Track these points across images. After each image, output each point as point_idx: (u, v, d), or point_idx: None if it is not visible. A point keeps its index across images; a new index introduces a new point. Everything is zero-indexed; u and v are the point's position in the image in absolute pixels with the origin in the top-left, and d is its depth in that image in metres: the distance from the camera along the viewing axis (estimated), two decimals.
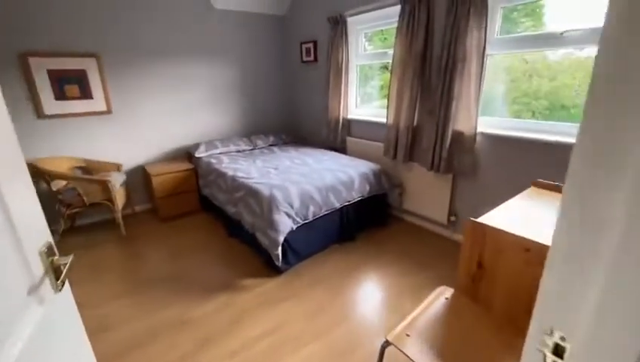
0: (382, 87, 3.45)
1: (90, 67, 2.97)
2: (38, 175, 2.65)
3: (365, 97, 3.60)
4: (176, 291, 2.20)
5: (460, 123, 2.39)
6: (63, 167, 2.93)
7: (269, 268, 2.33)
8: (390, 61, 2.87)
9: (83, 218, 3.20)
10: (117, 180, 2.91)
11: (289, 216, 2.23)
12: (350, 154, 3.45)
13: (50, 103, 2.86)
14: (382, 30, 3.22)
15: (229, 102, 3.86)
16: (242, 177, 2.65)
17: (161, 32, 3.26)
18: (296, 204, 2.28)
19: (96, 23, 2.92)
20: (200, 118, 3.70)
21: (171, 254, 2.66)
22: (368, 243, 2.73)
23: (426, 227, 2.94)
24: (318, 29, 3.61)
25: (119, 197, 2.89)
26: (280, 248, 2.14)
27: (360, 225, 2.82)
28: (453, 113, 2.37)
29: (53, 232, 2.78)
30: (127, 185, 3.21)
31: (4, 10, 2.54)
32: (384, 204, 2.99)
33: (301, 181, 2.49)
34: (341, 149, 3.59)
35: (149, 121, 3.39)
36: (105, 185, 2.73)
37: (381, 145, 3.10)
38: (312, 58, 3.77)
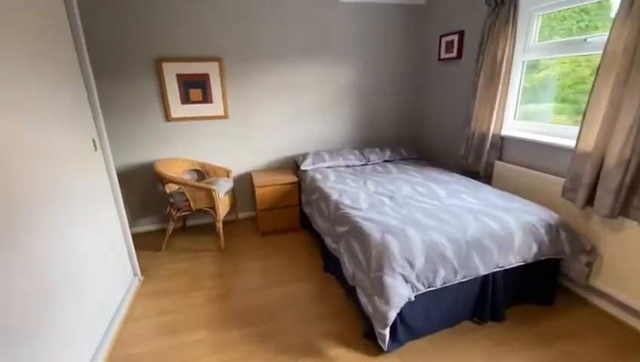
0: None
1: (213, 71, 2.93)
2: (157, 177, 2.72)
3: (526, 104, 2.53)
4: (256, 338, 1.80)
5: None
6: (180, 170, 2.99)
7: (370, 338, 1.70)
8: (593, 54, 1.81)
9: (193, 219, 3.25)
10: (222, 188, 2.78)
11: (406, 280, 1.54)
12: (497, 186, 2.48)
13: (176, 107, 2.94)
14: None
15: (343, 108, 3.38)
16: (348, 206, 2.09)
17: (281, 33, 3.00)
18: (420, 262, 1.57)
19: (220, 26, 2.84)
20: (310, 126, 3.34)
21: (262, 281, 2.33)
22: (525, 330, 1.78)
23: (634, 326, 1.77)
24: (469, 16, 2.74)
25: (222, 207, 2.76)
26: (389, 328, 1.47)
27: (512, 299, 1.88)
28: None
29: (164, 231, 2.74)
30: (233, 191, 3.10)
31: (144, 20, 2.66)
32: (555, 271, 1.94)
33: (429, 225, 1.75)
34: (484, 177, 2.63)
35: (260, 128, 3.20)
36: (209, 194, 2.62)
37: (558, 180, 2.04)
38: (454, 54, 2.91)
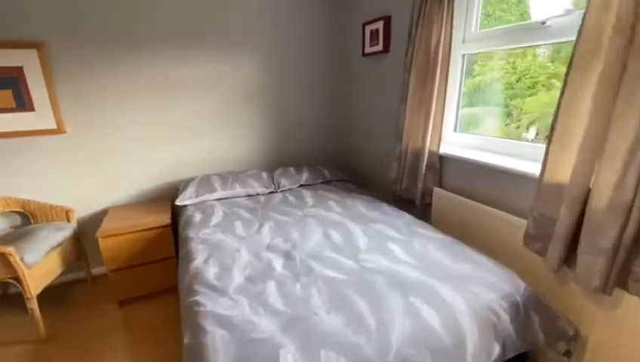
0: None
1: (30, 63, 1.93)
2: None
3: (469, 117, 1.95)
4: None
5: None
6: None
7: None
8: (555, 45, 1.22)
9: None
10: (43, 243, 1.78)
11: None
12: (437, 222, 1.84)
13: None
14: None
15: (247, 117, 2.56)
16: (207, 285, 1.25)
17: (146, 11, 2.10)
18: None
19: None
20: (203, 141, 2.46)
21: None
22: None
23: None
24: None
25: (40, 273, 1.76)
26: None
27: None
28: None
29: None
30: (77, 241, 2.11)
31: None
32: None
33: (327, 331, 0.99)
34: (421, 208, 1.98)
35: (123, 146, 2.24)
36: (4, 259, 1.61)
37: (518, 222, 1.43)
38: (379, 46, 2.25)
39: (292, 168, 2.52)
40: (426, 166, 1.89)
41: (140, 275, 2.02)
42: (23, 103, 1.97)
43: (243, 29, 2.38)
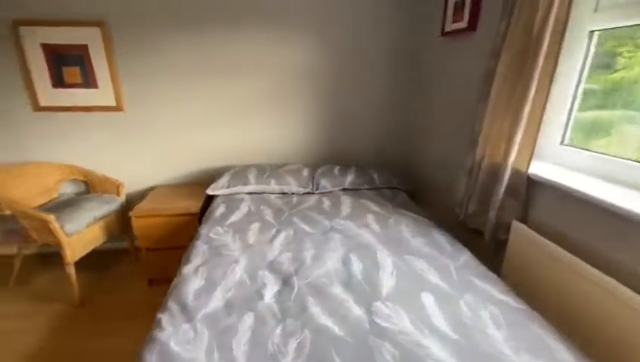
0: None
1: (94, 41, 2.02)
2: None
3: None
4: None
5: None
6: (53, 179, 2.16)
7: None
8: None
9: None
10: (87, 214, 1.89)
11: None
12: (509, 274, 1.31)
13: (47, 91, 2.08)
14: None
15: (298, 106, 2.30)
16: (181, 304, 1.06)
17: None
18: None
19: None
20: (251, 128, 2.32)
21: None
22: None
23: None
24: None
25: (82, 242, 1.86)
26: None
27: None
28: None
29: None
30: (123, 214, 2.20)
31: None
32: None
33: None
34: (493, 245, 1.45)
35: (175, 127, 2.25)
36: (47, 226, 1.73)
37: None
38: (464, 22, 1.71)
39: (337, 168, 2.18)
40: (506, 189, 1.34)
41: (169, 258, 1.99)
42: (88, 80, 2.09)
43: (304, 12, 2.10)
